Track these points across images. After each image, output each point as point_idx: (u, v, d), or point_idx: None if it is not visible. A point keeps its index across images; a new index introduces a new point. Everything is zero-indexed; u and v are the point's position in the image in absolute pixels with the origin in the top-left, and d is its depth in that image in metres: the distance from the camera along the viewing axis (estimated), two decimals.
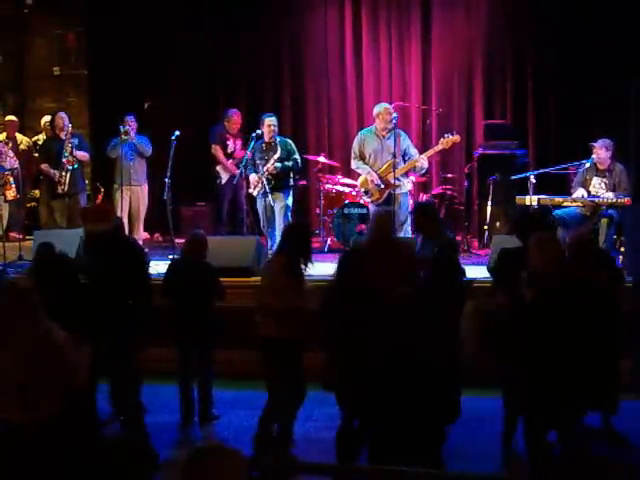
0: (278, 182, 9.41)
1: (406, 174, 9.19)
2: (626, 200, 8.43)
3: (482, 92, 11.18)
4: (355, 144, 9.24)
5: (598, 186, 8.79)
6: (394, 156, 8.91)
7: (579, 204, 8.77)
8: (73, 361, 4.38)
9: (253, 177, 9.43)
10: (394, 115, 9.06)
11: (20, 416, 4.21)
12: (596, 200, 8.61)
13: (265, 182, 9.32)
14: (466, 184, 10.81)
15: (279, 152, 9.39)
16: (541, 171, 9.56)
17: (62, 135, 10.15)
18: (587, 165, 8.88)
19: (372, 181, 9.01)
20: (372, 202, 9.11)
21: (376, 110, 9.18)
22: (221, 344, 6.90)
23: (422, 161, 9.04)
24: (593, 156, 8.82)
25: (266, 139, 9.48)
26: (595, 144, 8.85)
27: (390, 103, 10.24)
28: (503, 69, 11.09)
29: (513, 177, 9.53)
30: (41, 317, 4.44)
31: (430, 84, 11.36)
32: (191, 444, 6.30)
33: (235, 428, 6.56)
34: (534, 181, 8.98)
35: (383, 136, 9.02)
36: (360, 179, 9.29)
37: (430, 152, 9.32)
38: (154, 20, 11.50)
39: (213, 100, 11.85)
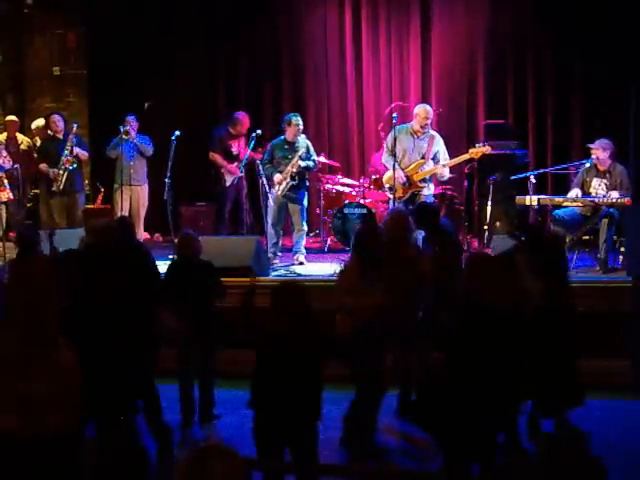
0: (299, 182, 9.39)
1: (431, 178, 9.17)
2: (626, 200, 8.42)
3: (482, 92, 11.17)
4: (389, 139, 9.17)
5: (598, 187, 8.77)
6: (423, 157, 8.90)
7: (579, 204, 8.75)
8: (76, 377, 4.37)
9: (278, 177, 9.31)
10: (394, 115, 9.03)
11: (20, 429, 4.20)
12: (596, 200, 8.60)
13: (289, 180, 9.28)
14: (466, 184, 10.80)
15: (302, 150, 9.38)
16: (541, 171, 9.56)
17: (59, 136, 10.18)
18: (587, 165, 8.87)
19: (399, 177, 8.94)
20: (394, 199, 9.07)
21: (416, 110, 9.17)
22: (221, 344, 6.90)
23: (442, 169, 8.98)
24: (592, 157, 8.80)
25: (289, 138, 9.39)
26: (592, 146, 8.83)
27: (390, 103, 10.27)
28: (503, 69, 11.08)
29: (513, 177, 9.52)
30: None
31: (430, 84, 11.35)
32: (191, 444, 6.30)
33: (235, 428, 6.56)
34: (534, 181, 8.96)
35: (417, 136, 8.99)
36: (386, 175, 9.24)
37: (457, 160, 9.21)
38: (154, 20, 11.51)
39: (213, 100, 11.85)
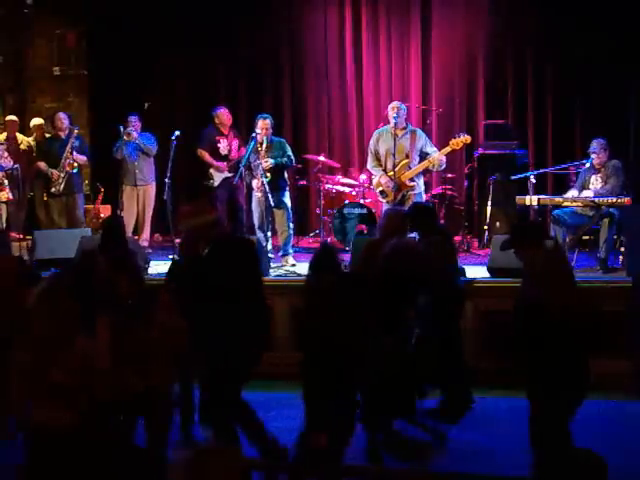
0: (274, 180, 9.33)
1: (422, 174, 9.16)
2: (626, 200, 8.42)
3: (482, 92, 11.18)
4: (371, 143, 9.18)
5: (595, 182, 8.80)
6: (407, 157, 8.90)
7: (579, 204, 8.75)
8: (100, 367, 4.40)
9: (255, 182, 9.25)
10: (394, 116, 9.00)
11: (48, 418, 4.24)
12: (596, 200, 8.60)
13: (264, 181, 9.25)
14: (466, 184, 10.81)
15: (272, 150, 9.32)
16: (541, 171, 9.56)
17: (62, 135, 10.18)
18: (587, 165, 8.88)
19: (385, 183, 8.97)
20: (387, 203, 9.07)
21: (388, 109, 9.19)
22: None
23: (437, 160, 8.93)
24: (592, 156, 8.80)
25: (259, 140, 9.32)
26: (594, 150, 8.78)
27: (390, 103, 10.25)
28: (503, 69, 11.08)
29: (513, 177, 9.52)
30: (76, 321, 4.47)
31: (430, 84, 11.35)
32: (191, 444, 6.29)
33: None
34: (534, 181, 8.96)
35: (398, 135, 8.97)
36: (374, 180, 9.26)
37: (439, 154, 9.21)
38: (154, 20, 11.51)
39: (213, 100, 11.83)
